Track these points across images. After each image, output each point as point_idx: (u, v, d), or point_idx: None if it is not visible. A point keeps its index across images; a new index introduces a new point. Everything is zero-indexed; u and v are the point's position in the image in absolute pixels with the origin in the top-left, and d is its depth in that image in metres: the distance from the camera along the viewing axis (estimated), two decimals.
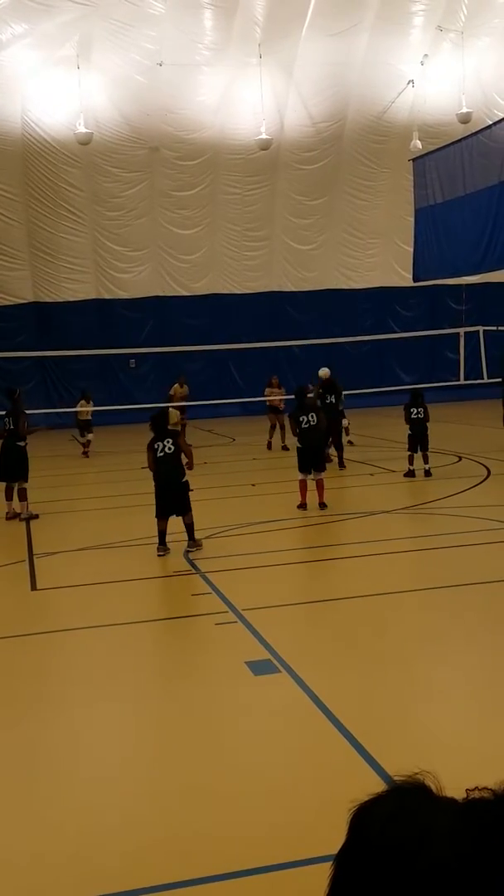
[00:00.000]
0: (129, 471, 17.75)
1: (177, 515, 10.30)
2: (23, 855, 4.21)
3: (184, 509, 10.28)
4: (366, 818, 1.01)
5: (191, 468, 10.61)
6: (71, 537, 11.58)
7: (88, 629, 7.71)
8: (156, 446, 10.34)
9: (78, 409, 20.98)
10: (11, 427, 13.16)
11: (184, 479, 10.31)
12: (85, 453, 20.69)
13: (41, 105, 25.15)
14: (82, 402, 21.08)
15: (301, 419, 12.55)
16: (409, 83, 27.28)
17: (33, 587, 9.26)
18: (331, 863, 1.03)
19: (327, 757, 4.97)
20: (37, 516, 12.99)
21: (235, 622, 7.53)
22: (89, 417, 20.79)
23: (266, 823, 4.33)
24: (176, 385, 21.35)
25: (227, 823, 4.35)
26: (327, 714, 5.45)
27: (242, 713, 5.71)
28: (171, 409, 17.75)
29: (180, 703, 5.95)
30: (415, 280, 21.70)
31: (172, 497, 10.24)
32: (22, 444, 13.09)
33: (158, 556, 10.19)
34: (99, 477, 17.45)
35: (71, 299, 27.74)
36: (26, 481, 13.07)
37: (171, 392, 21.20)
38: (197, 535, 10.61)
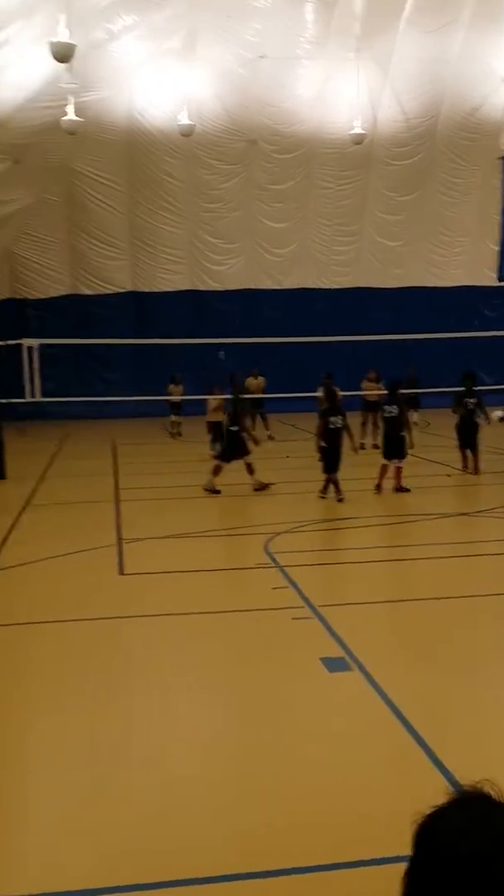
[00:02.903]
0: (212, 462, 18.16)
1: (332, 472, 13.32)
2: (95, 837, 4.45)
3: (335, 467, 13.35)
4: (433, 832, 0.99)
5: (354, 449, 14.09)
6: (158, 524, 12.02)
7: (170, 616, 8.06)
8: (329, 420, 13.30)
9: (169, 392, 22.62)
10: (230, 411, 14.64)
11: (340, 449, 13.44)
12: (172, 434, 22.30)
13: (147, 96, 25.67)
14: (171, 385, 22.34)
15: (330, 420, 13.61)
16: (503, 81, 26.84)
17: (121, 571, 9.70)
18: (402, 879, 1.02)
19: (394, 758, 5.15)
20: (218, 491, 14.07)
21: (312, 618, 7.74)
22: (179, 400, 21.86)
23: (326, 821, 4.47)
24: (250, 377, 21.73)
25: (289, 818, 4.51)
26: (398, 715, 5.62)
27: (315, 709, 5.91)
28: (210, 399, 18.34)
29: (254, 694, 6.20)
30: (500, 280, 21.43)
31: (335, 458, 13.28)
32: (235, 429, 14.28)
33: (320, 497, 13.26)
34: (186, 466, 17.90)
35: (167, 289, 28.32)
36: (246, 455, 14.27)
37: (246, 384, 21.57)
38: (278, 529, 11.08)
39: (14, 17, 17.86)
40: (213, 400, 18.39)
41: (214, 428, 18.43)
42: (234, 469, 17.19)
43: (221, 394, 18.62)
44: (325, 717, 5.83)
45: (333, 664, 6.59)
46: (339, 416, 13.54)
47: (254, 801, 4.72)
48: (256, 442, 15.09)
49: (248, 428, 14.96)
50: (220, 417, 18.34)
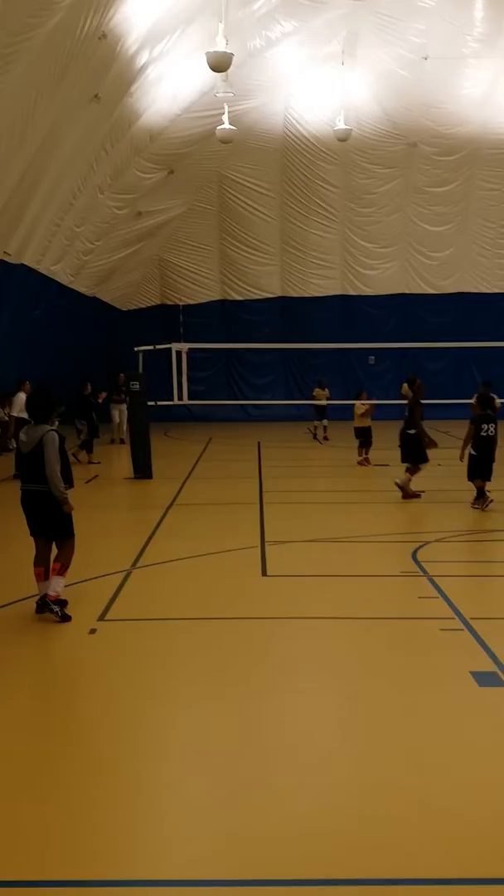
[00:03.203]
0: (359, 466, 17.78)
1: (482, 480, 12.80)
2: (224, 832, 4.34)
3: (489, 476, 12.85)
4: None
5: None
6: (302, 528, 11.79)
7: (312, 619, 7.81)
8: (482, 426, 12.73)
9: (315, 397, 22.61)
10: (407, 415, 14.18)
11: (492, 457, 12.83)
12: (315, 437, 22.68)
13: (303, 102, 25.64)
14: (317, 389, 22.48)
15: (482, 427, 12.93)
16: None
17: (264, 573, 9.53)
18: None
19: None
20: (418, 495, 13.67)
21: (462, 630, 7.32)
22: (324, 404, 22.05)
23: (461, 836, 4.21)
24: (405, 384, 21.28)
25: (423, 828, 4.28)
26: None
27: (462, 722, 5.55)
28: (357, 404, 17.81)
29: (398, 703, 5.88)
30: None
31: (486, 466, 12.76)
32: (412, 432, 13.89)
33: (473, 507, 12.74)
34: (329, 471, 17.63)
35: (316, 294, 28.18)
36: (418, 463, 13.85)
37: (403, 391, 21.17)
38: (427, 538, 10.61)
39: (172, 29, 18.18)
40: (361, 405, 18.02)
41: (362, 433, 18.07)
42: (382, 474, 16.74)
43: (369, 399, 18.27)
44: (473, 731, 5.43)
45: (485, 679, 6.16)
46: (492, 424, 12.88)
47: (390, 807, 4.48)
48: (434, 444, 14.41)
49: (425, 431, 14.30)
50: (367, 423, 17.97)
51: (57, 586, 7.76)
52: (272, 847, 4.15)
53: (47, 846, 4.23)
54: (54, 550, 7.98)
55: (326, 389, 22.52)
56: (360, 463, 17.94)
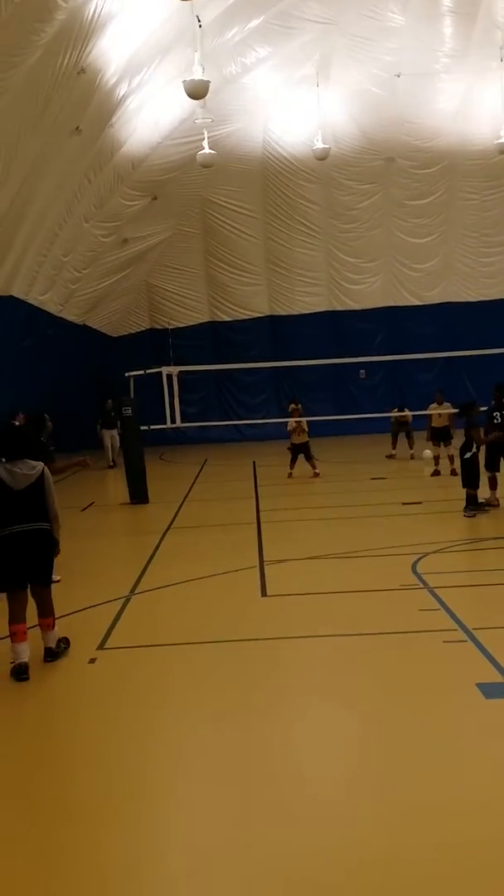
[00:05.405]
0: (354, 481, 17.80)
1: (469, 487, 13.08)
2: (239, 867, 4.26)
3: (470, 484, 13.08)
4: None
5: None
6: (300, 546, 11.78)
7: (314, 638, 7.79)
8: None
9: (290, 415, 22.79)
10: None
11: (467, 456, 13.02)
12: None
13: (281, 124, 25.87)
14: (292, 405, 22.52)
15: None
16: None
17: (263, 593, 9.50)
18: None
19: None
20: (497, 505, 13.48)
21: (465, 641, 7.29)
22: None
23: (479, 856, 4.15)
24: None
25: (437, 848, 4.22)
26: None
27: (471, 736, 5.51)
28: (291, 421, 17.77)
29: (405, 719, 5.84)
30: None
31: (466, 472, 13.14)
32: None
33: (465, 516, 12.84)
34: (325, 486, 17.62)
35: (304, 312, 28.32)
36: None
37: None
38: (426, 549, 10.67)
39: (149, 60, 18.37)
40: (293, 422, 18.22)
41: (294, 449, 18.29)
42: (378, 488, 16.73)
43: (301, 415, 18.53)
44: (482, 743, 5.38)
45: (491, 690, 6.13)
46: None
47: (407, 827, 4.42)
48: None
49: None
50: (304, 439, 18.07)
51: (56, 637, 7.44)
52: (285, 886, 4.08)
53: (48, 883, 4.17)
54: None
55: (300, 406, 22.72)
56: (290, 475, 18.25)
